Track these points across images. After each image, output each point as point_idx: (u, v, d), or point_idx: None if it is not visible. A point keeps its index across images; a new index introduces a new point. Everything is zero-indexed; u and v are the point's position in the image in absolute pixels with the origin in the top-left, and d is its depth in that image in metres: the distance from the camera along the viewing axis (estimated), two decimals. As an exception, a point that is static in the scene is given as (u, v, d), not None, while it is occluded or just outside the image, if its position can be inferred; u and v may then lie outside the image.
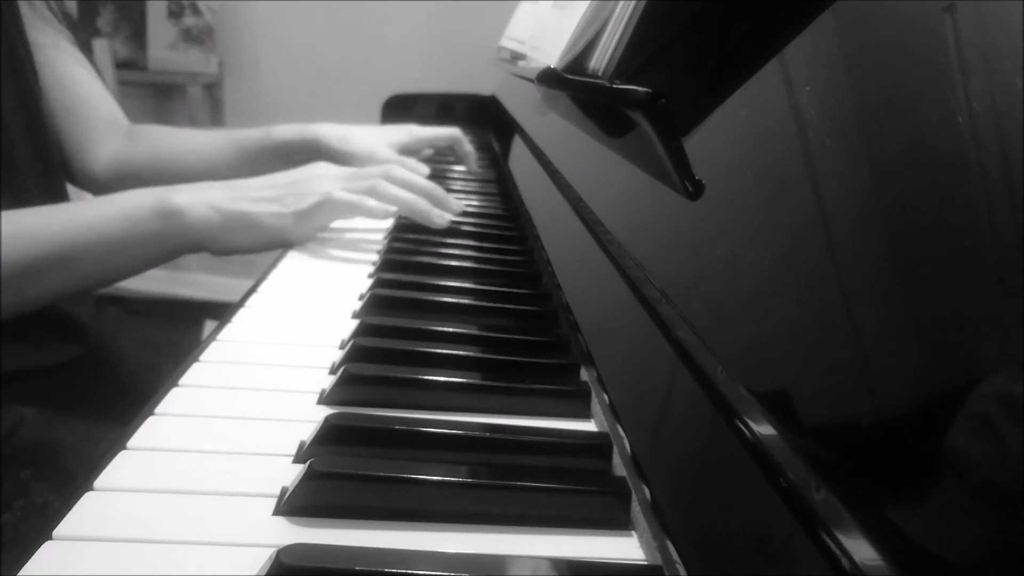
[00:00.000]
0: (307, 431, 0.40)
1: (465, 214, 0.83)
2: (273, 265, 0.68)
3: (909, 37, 0.27)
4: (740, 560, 0.26)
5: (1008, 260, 0.20)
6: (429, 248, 0.74)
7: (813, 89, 0.32)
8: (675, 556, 0.29)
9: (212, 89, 2.45)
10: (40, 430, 0.67)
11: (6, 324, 0.66)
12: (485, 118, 1.49)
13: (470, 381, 0.46)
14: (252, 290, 0.61)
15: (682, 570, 0.29)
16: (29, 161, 0.76)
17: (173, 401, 0.43)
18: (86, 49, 0.92)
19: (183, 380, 0.45)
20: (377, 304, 0.58)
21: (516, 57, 1.19)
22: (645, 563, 0.33)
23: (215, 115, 2.48)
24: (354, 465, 0.36)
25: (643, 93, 0.42)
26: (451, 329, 0.53)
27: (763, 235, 0.31)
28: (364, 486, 0.35)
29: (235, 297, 0.60)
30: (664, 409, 0.36)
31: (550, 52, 0.89)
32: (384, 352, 0.49)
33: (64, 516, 0.32)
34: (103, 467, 0.36)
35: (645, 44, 0.52)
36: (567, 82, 0.66)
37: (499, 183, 1.06)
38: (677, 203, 0.39)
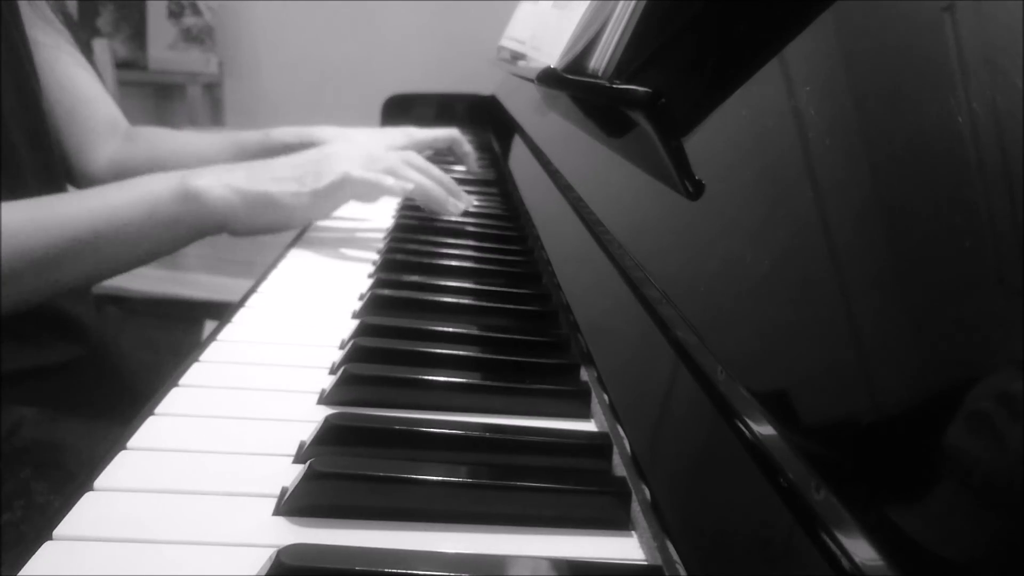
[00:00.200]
0: (307, 431, 0.40)
1: (465, 214, 0.83)
2: (273, 265, 0.68)
3: (909, 37, 0.27)
4: (740, 560, 0.26)
5: (1008, 260, 0.20)
6: (429, 248, 0.74)
7: (813, 89, 0.32)
8: (675, 556, 0.29)
9: (212, 89, 2.45)
10: (40, 430, 0.67)
11: (6, 324, 0.66)
12: (485, 118, 1.49)
13: (470, 381, 0.46)
14: (252, 290, 0.61)
15: (682, 570, 0.29)
16: (30, 161, 0.76)
17: (173, 401, 0.43)
18: (86, 49, 0.92)
19: (183, 380, 0.45)
20: (377, 304, 0.58)
21: (516, 57, 1.19)
22: (645, 563, 0.33)
23: (215, 115, 2.48)
24: (354, 465, 0.36)
25: (643, 93, 0.42)
26: (451, 329, 0.53)
27: (763, 235, 0.31)
28: (364, 486, 0.35)
29: (235, 297, 0.60)
30: (664, 409, 0.36)
31: (550, 52, 0.89)
32: (384, 352, 0.49)
33: (64, 516, 0.32)
34: (103, 467, 0.36)
35: (645, 44, 0.52)
36: (567, 82, 0.66)
37: (499, 183, 1.06)
38: (677, 203, 0.39)
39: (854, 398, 0.24)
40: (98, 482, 0.35)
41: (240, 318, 0.55)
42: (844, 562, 0.21)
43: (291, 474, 0.36)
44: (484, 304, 0.59)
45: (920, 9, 0.27)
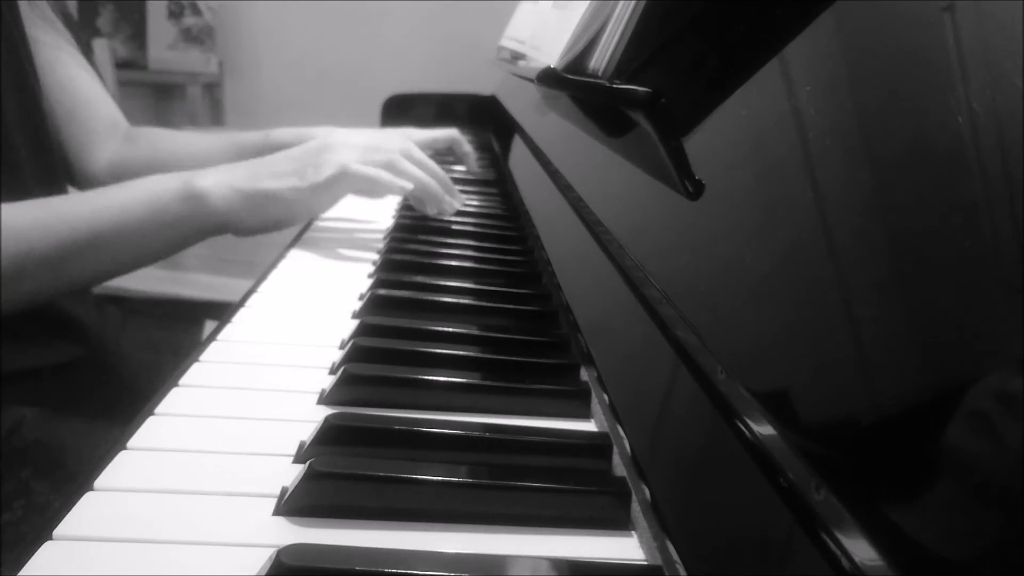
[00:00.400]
0: (307, 431, 0.40)
1: (465, 214, 0.83)
2: (273, 265, 0.69)
3: (909, 37, 0.27)
4: (740, 560, 0.26)
5: (1008, 260, 0.20)
6: (429, 248, 0.74)
7: (813, 89, 0.32)
8: (675, 556, 0.29)
9: (212, 89, 2.45)
10: (40, 430, 0.67)
11: (6, 324, 0.66)
12: (485, 118, 1.49)
13: (470, 381, 0.46)
14: (252, 290, 0.61)
15: (682, 570, 0.29)
16: (30, 162, 0.76)
17: (173, 401, 0.43)
18: (86, 49, 0.92)
19: (183, 380, 0.45)
20: (377, 304, 0.58)
21: (516, 57, 1.19)
22: (645, 563, 0.33)
23: (215, 115, 2.48)
24: (354, 465, 0.36)
25: (643, 93, 0.42)
26: (451, 329, 0.53)
27: (763, 235, 0.31)
28: (364, 486, 0.35)
29: (235, 297, 0.60)
30: (664, 409, 0.36)
31: (550, 52, 0.89)
32: (384, 352, 0.49)
33: (64, 516, 0.32)
34: (103, 467, 0.36)
35: (645, 44, 0.52)
36: (567, 82, 0.66)
37: (499, 183, 1.06)
38: (677, 203, 0.39)
39: (854, 398, 0.24)
40: (98, 482, 0.35)
41: (240, 318, 0.55)
42: (844, 562, 0.21)
43: (291, 474, 0.36)
44: (484, 304, 0.59)
45: (920, 9, 0.27)
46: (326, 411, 0.43)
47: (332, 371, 0.48)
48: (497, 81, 1.47)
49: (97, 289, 0.87)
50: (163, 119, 2.54)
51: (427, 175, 0.76)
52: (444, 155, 1.10)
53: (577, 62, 0.67)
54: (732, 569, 0.26)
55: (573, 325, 0.52)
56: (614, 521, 0.36)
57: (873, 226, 0.26)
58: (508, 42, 1.29)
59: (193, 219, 0.67)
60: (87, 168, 0.89)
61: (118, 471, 0.36)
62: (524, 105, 1.04)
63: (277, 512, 0.34)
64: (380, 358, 0.48)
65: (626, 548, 0.34)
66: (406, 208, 0.89)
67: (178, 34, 2.37)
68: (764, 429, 0.27)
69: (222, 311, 0.56)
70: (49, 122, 0.81)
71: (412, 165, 0.75)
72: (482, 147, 1.28)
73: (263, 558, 0.30)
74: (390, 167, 0.73)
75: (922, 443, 0.20)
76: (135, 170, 0.89)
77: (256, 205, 0.68)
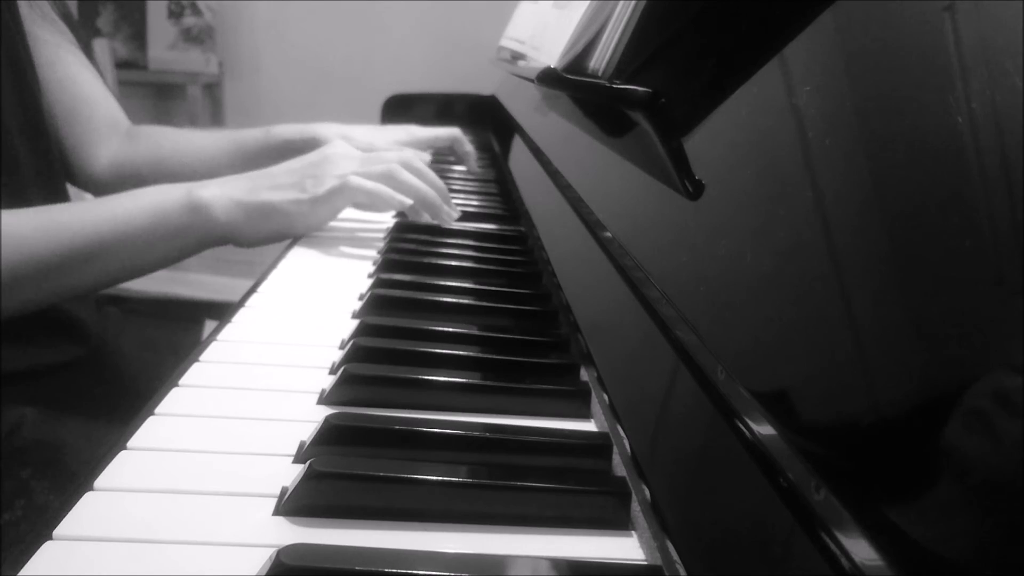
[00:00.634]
0: (307, 431, 0.40)
1: (465, 214, 0.83)
2: (273, 265, 0.69)
3: (909, 37, 0.27)
4: (740, 560, 0.26)
5: (1008, 260, 0.20)
6: (429, 248, 0.74)
7: (813, 89, 0.32)
8: (675, 556, 0.29)
9: (212, 89, 2.45)
10: (40, 430, 0.67)
11: (6, 324, 0.66)
12: (485, 118, 1.49)
13: (470, 381, 0.46)
14: (252, 290, 0.61)
15: (682, 570, 0.29)
16: (29, 162, 0.76)
17: (173, 401, 0.43)
18: (86, 49, 0.92)
19: (183, 380, 0.45)
20: (377, 304, 0.58)
21: (516, 57, 1.19)
22: (645, 563, 0.33)
23: (215, 115, 2.48)
24: (354, 465, 0.36)
25: (643, 93, 0.42)
26: (451, 329, 0.53)
27: (763, 235, 0.31)
28: (364, 486, 0.35)
29: (235, 297, 0.60)
30: (664, 409, 0.36)
31: (550, 52, 0.89)
32: (384, 352, 0.49)
33: (64, 516, 0.32)
34: (103, 467, 0.36)
35: (645, 44, 0.52)
36: (567, 82, 0.66)
37: (499, 183, 1.06)
38: (677, 203, 0.39)
39: (854, 398, 0.24)
40: (98, 482, 0.35)
41: (240, 318, 0.55)
42: (844, 562, 0.21)
43: (291, 474, 0.36)
44: (484, 304, 0.59)
45: (920, 9, 0.27)
46: (326, 411, 0.43)
47: (332, 371, 0.48)
48: (497, 81, 1.47)
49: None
50: (163, 119, 2.53)
51: (425, 185, 0.76)
52: (445, 155, 1.10)
53: (577, 62, 0.67)
54: (732, 569, 0.26)
55: (573, 325, 0.52)
56: (614, 521, 0.36)
57: (873, 226, 0.26)
58: (508, 42, 1.29)
59: (195, 229, 0.67)
60: (88, 167, 0.89)
61: (118, 471, 0.36)
62: (524, 105, 1.04)
63: (277, 512, 0.34)
64: (380, 358, 0.48)
65: (626, 548, 0.34)
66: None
67: (178, 34, 2.37)
68: (764, 429, 0.27)
69: (222, 311, 0.56)
70: (49, 122, 0.81)
71: (411, 175, 0.75)
72: (482, 147, 1.28)
73: (263, 558, 0.30)
74: (390, 179, 0.73)
75: (922, 443, 0.20)
76: (136, 168, 0.89)
77: (257, 217, 0.69)
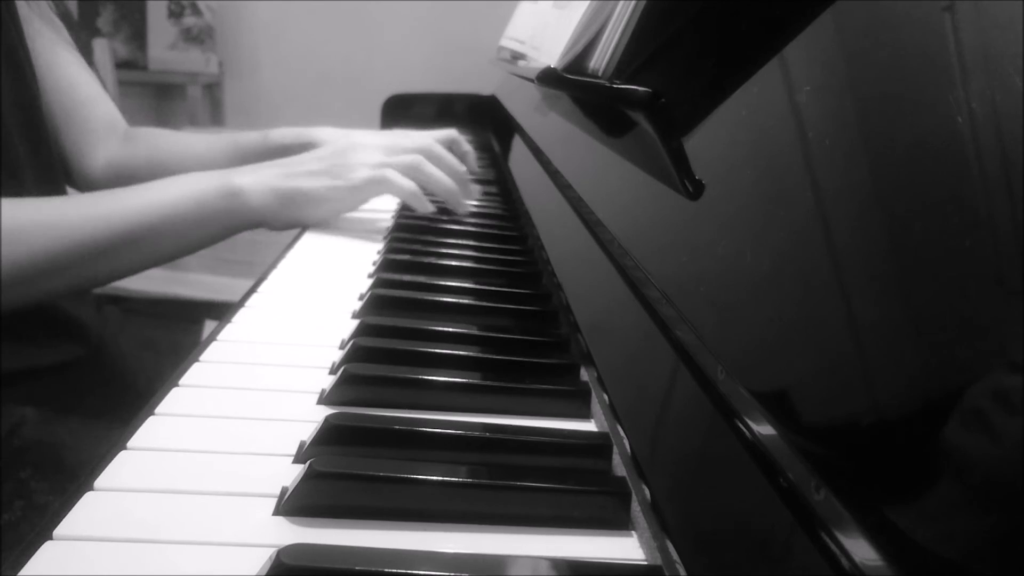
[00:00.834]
0: (307, 431, 0.40)
1: (465, 214, 0.83)
2: (273, 265, 0.69)
3: (909, 37, 0.27)
4: (740, 560, 0.26)
5: (1008, 260, 0.20)
6: (429, 248, 0.74)
7: (813, 89, 0.32)
8: (675, 556, 0.29)
9: (212, 89, 2.45)
10: (40, 430, 0.67)
11: (6, 324, 0.66)
12: (485, 118, 1.49)
13: (470, 381, 0.46)
14: (252, 290, 0.61)
15: (682, 570, 0.29)
16: (29, 162, 0.76)
17: (173, 401, 0.43)
18: (86, 49, 0.92)
19: (183, 380, 0.45)
20: (377, 304, 0.58)
21: (516, 57, 1.19)
22: (645, 563, 0.33)
23: (215, 115, 2.48)
24: (354, 465, 0.36)
25: (643, 93, 0.42)
26: (451, 329, 0.53)
27: (763, 235, 0.31)
28: (364, 486, 0.35)
29: (235, 297, 0.60)
30: (664, 409, 0.36)
31: (550, 52, 0.89)
32: (384, 352, 0.49)
33: (64, 516, 0.32)
34: (103, 467, 0.36)
35: (645, 44, 0.52)
36: (567, 82, 0.66)
37: (499, 183, 1.06)
38: (677, 203, 0.39)
39: (854, 398, 0.24)
40: (98, 482, 0.35)
41: (240, 318, 0.55)
42: (844, 562, 0.21)
43: (291, 474, 0.36)
44: (484, 304, 0.59)
45: (920, 9, 0.27)
46: (326, 411, 0.43)
47: (332, 371, 0.48)
48: (497, 81, 1.47)
49: (97, 289, 0.87)
50: (163, 119, 2.54)
51: (448, 178, 0.79)
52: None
53: (577, 62, 0.67)
54: (732, 569, 0.26)
55: (573, 325, 0.52)
56: (614, 521, 0.36)
57: (873, 226, 0.26)
58: (508, 42, 1.29)
59: (231, 214, 0.70)
60: (85, 168, 0.89)
61: (118, 471, 0.36)
62: (524, 105, 1.04)
63: (277, 512, 0.34)
64: (380, 358, 0.48)
65: (626, 548, 0.34)
66: (406, 208, 0.89)
67: (178, 34, 2.37)
68: (764, 429, 0.27)
69: (222, 311, 0.56)
70: (48, 122, 0.81)
71: (435, 169, 0.79)
72: (482, 147, 1.28)
73: (263, 558, 0.30)
74: (416, 171, 0.77)
75: (922, 443, 0.20)
76: (133, 171, 0.89)
77: (289, 202, 0.73)
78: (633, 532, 0.35)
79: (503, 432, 0.41)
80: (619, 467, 0.38)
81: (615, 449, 0.39)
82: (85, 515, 0.33)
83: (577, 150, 0.66)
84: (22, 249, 0.61)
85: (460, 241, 0.77)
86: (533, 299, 0.62)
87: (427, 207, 0.78)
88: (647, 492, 0.33)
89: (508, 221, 0.86)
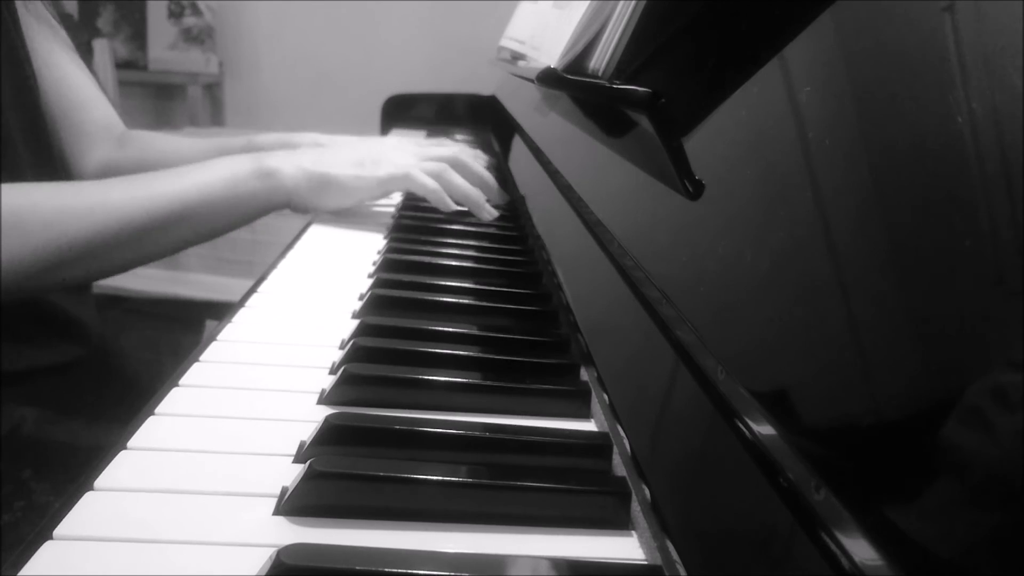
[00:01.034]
0: (307, 431, 0.40)
1: (465, 214, 0.83)
2: (273, 265, 0.69)
3: (909, 37, 0.27)
4: (740, 560, 0.26)
5: (1008, 260, 0.20)
6: (429, 248, 0.74)
7: (813, 89, 0.32)
8: (675, 556, 0.29)
9: (212, 89, 2.45)
10: (40, 430, 0.67)
11: (7, 324, 0.66)
12: (485, 118, 1.49)
13: (470, 381, 0.46)
14: (252, 290, 0.61)
15: (682, 570, 0.29)
16: (29, 162, 0.76)
17: (173, 401, 0.43)
18: (86, 49, 0.92)
19: (183, 380, 0.45)
20: (377, 304, 0.58)
21: (516, 57, 1.19)
22: (645, 563, 0.33)
23: (215, 115, 2.48)
24: (354, 465, 0.36)
25: (643, 93, 0.42)
26: (451, 329, 0.53)
27: (763, 235, 0.31)
28: (364, 486, 0.35)
29: (235, 297, 0.60)
30: (664, 409, 0.36)
31: (550, 52, 0.89)
32: (384, 352, 0.49)
33: (64, 516, 0.32)
34: (103, 467, 0.36)
35: (645, 44, 0.52)
36: (567, 82, 0.66)
37: (499, 183, 1.06)
38: (677, 203, 0.39)
39: (854, 398, 0.24)
40: (98, 482, 0.35)
41: (240, 318, 0.55)
42: (844, 562, 0.21)
43: (291, 474, 0.36)
44: (484, 304, 0.59)
45: (920, 9, 0.27)
46: (326, 411, 0.43)
47: (332, 371, 0.48)
48: (497, 81, 1.47)
49: (97, 289, 0.87)
50: (163, 119, 2.54)
51: (473, 188, 0.83)
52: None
53: (577, 62, 0.67)
54: (732, 569, 0.26)
55: (573, 325, 0.52)
56: (614, 521, 0.36)
57: (873, 226, 0.26)
58: (508, 42, 1.29)
59: (263, 195, 0.72)
60: (77, 170, 0.89)
61: (118, 471, 0.36)
62: (524, 105, 1.04)
63: (277, 512, 0.34)
64: (380, 358, 0.48)
65: (626, 548, 0.34)
66: (406, 208, 0.89)
67: (178, 34, 2.37)
68: (764, 429, 0.27)
69: (222, 311, 0.56)
70: (49, 122, 0.81)
71: (459, 177, 0.82)
72: (482, 147, 1.28)
73: (263, 558, 0.30)
74: (440, 177, 0.80)
75: (922, 443, 0.20)
76: (123, 174, 0.89)
77: (319, 186, 0.75)
78: (633, 532, 0.35)
79: (503, 432, 0.41)
80: (619, 467, 0.38)
81: (615, 449, 0.39)
82: (85, 515, 0.33)
83: (577, 150, 0.66)
84: (65, 231, 0.61)
85: (460, 241, 0.77)
86: (533, 299, 0.62)
87: (450, 206, 0.81)
88: (647, 492, 0.33)
89: (508, 221, 0.86)
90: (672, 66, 0.49)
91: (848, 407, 0.24)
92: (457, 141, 1.15)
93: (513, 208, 0.91)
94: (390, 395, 0.44)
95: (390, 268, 0.68)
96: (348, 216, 0.82)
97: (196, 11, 2.35)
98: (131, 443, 0.38)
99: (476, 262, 0.71)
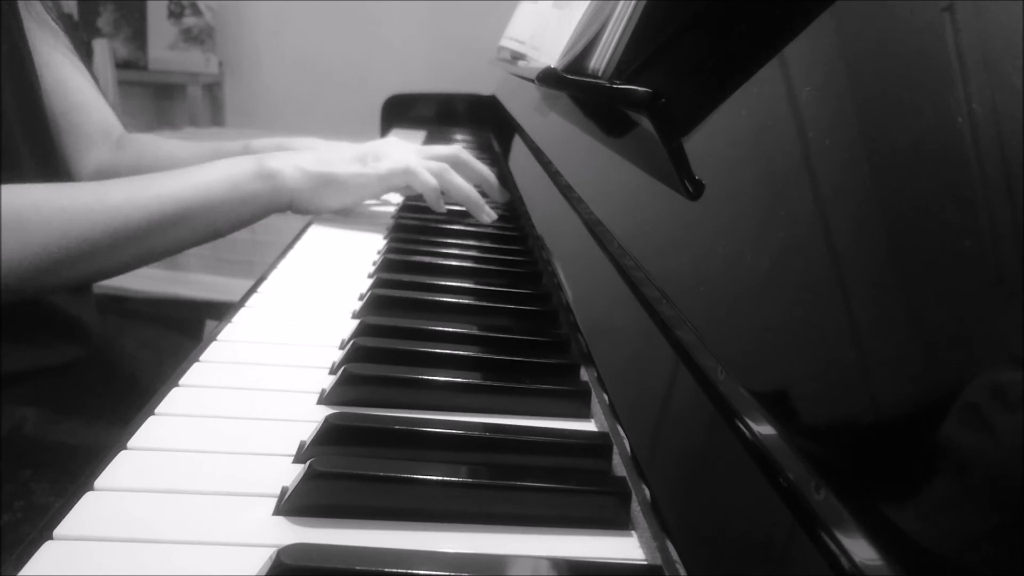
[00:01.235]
0: (307, 431, 0.40)
1: (465, 214, 0.83)
2: (273, 265, 0.69)
3: (909, 37, 0.27)
4: (740, 560, 0.26)
5: (1008, 260, 0.20)
6: (429, 248, 0.74)
7: (813, 89, 0.32)
8: (675, 556, 0.29)
9: (212, 89, 2.45)
10: (41, 430, 0.67)
11: (7, 324, 0.66)
12: (485, 118, 1.49)
13: (470, 381, 0.46)
14: (252, 290, 0.61)
15: (682, 570, 0.29)
16: (31, 163, 0.76)
17: (173, 401, 0.43)
18: (86, 50, 0.92)
19: (183, 380, 0.45)
20: (377, 304, 0.58)
21: (516, 57, 1.19)
22: (645, 563, 0.33)
23: (215, 115, 2.48)
24: (354, 465, 0.36)
25: (643, 93, 0.42)
26: (451, 329, 0.53)
27: (763, 235, 0.31)
28: (364, 486, 0.35)
29: (235, 297, 0.60)
30: (664, 409, 0.36)
31: (550, 52, 0.89)
32: (384, 352, 0.49)
33: (64, 516, 0.32)
34: (103, 467, 0.36)
35: (645, 44, 0.52)
36: (567, 82, 0.66)
37: (499, 183, 1.06)
38: (677, 203, 0.39)
39: (854, 398, 0.24)
40: (98, 482, 0.35)
41: (240, 318, 0.55)
42: (844, 562, 0.21)
43: (291, 474, 0.36)
44: (484, 304, 0.59)
45: (920, 9, 0.27)
46: (326, 411, 0.43)
47: (332, 371, 0.48)
48: (497, 81, 1.47)
49: (97, 289, 0.87)
50: (163, 119, 2.54)
51: (472, 190, 0.83)
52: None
53: (577, 62, 0.67)
54: (732, 569, 0.26)
55: (573, 325, 0.52)
56: (614, 521, 0.36)
57: (873, 226, 0.26)
58: (508, 42, 1.29)
59: (265, 196, 0.72)
60: (75, 172, 0.89)
61: (118, 471, 0.36)
62: (524, 105, 1.04)
63: (277, 512, 0.34)
64: (380, 358, 0.48)
65: (626, 548, 0.34)
66: (406, 208, 0.89)
67: (178, 34, 2.37)
68: (764, 429, 0.27)
69: (222, 311, 0.56)
70: (50, 122, 0.81)
71: (460, 179, 0.82)
72: (482, 147, 1.29)
73: (263, 558, 0.30)
74: (441, 177, 0.80)
75: (922, 443, 0.20)
76: (120, 177, 0.89)
77: (320, 186, 0.75)
78: (633, 532, 0.35)
79: (503, 432, 0.41)
80: (619, 467, 0.38)
81: (615, 449, 0.39)
82: (85, 515, 0.33)
83: (577, 150, 0.66)
84: (65, 232, 0.61)
85: (460, 241, 0.77)
86: (533, 299, 0.62)
87: (442, 207, 0.82)
88: (647, 492, 0.33)
89: (508, 221, 0.86)
90: (672, 66, 0.49)
91: (848, 407, 0.24)
92: (457, 142, 1.15)
93: (513, 208, 0.91)
94: (390, 395, 0.44)
95: (390, 268, 0.68)
96: (348, 216, 0.82)
97: (196, 11, 2.35)
98: (131, 443, 0.38)
99: (476, 262, 0.71)
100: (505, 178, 0.99)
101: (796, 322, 0.27)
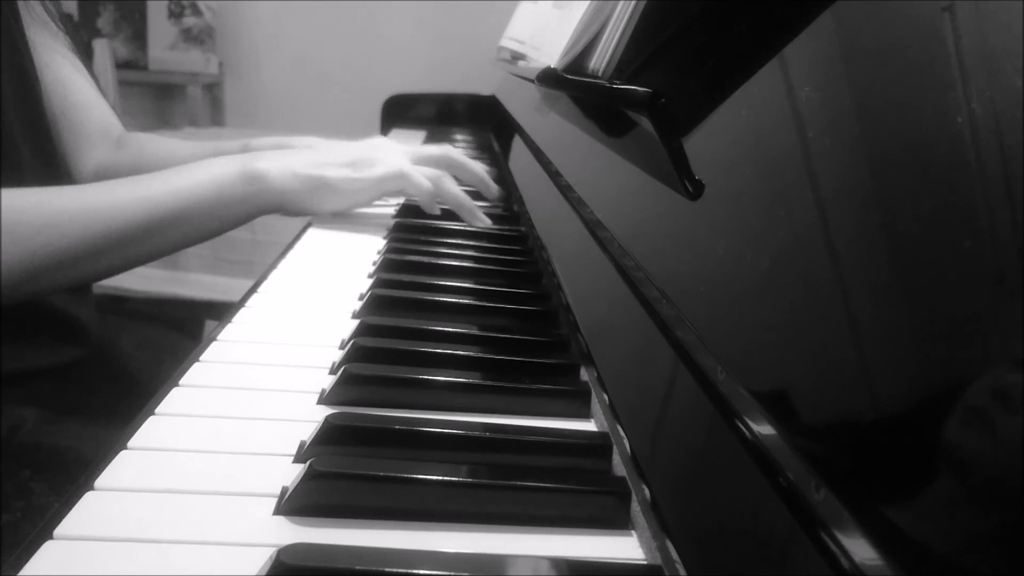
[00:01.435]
0: (307, 431, 0.40)
1: None
2: (273, 265, 0.69)
3: (909, 37, 0.27)
4: (740, 560, 0.26)
5: (1008, 260, 0.20)
6: (429, 248, 0.74)
7: (813, 89, 0.32)
8: (675, 556, 0.29)
9: (212, 89, 2.45)
10: (40, 431, 0.67)
11: (7, 325, 0.66)
12: (485, 118, 1.49)
13: (470, 381, 0.46)
14: (252, 290, 0.61)
15: (682, 570, 0.29)
16: (31, 162, 0.76)
17: (173, 401, 0.43)
18: (86, 50, 0.92)
19: (184, 380, 0.45)
20: (377, 304, 0.58)
21: (516, 57, 1.19)
22: (645, 563, 0.33)
23: (215, 115, 2.48)
24: (354, 465, 0.36)
25: (643, 93, 0.42)
26: (451, 329, 0.53)
27: (763, 235, 0.31)
28: (364, 486, 0.35)
29: (235, 297, 0.60)
30: (664, 409, 0.36)
31: (550, 52, 0.89)
32: (384, 352, 0.49)
33: (64, 516, 0.32)
34: (103, 467, 0.36)
35: (645, 44, 0.52)
36: (567, 82, 0.66)
37: (499, 183, 1.06)
38: (677, 203, 0.39)
39: (854, 398, 0.24)
40: (98, 482, 0.35)
41: (240, 318, 0.55)
42: (844, 562, 0.21)
43: (291, 474, 0.36)
44: (484, 304, 0.59)
45: (920, 9, 0.27)
46: (326, 411, 0.43)
47: (332, 371, 0.48)
48: (497, 81, 1.47)
49: (97, 289, 0.87)
50: (163, 119, 2.54)
51: (464, 196, 0.81)
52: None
53: (577, 62, 0.67)
54: (732, 569, 0.26)
55: (573, 325, 0.52)
56: (614, 521, 0.36)
57: (873, 226, 0.26)
58: (508, 42, 1.29)
59: (253, 199, 0.71)
60: (74, 172, 0.88)
61: (118, 471, 0.36)
62: (524, 105, 1.04)
63: (277, 512, 0.34)
64: (380, 358, 0.48)
65: (626, 548, 0.34)
66: (406, 208, 0.89)
67: (178, 34, 2.37)
68: (764, 429, 0.27)
69: (222, 311, 0.56)
70: (50, 122, 0.81)
71: (454, 184, 0.81)
72: (482, 147, 1.29)
73: (263, 558, 0.30)
74: (435, 182, 0.79)
75: (922, 443, 0.20)
76: (120, 176, 0.89)
77: (311, 189, 0.74)
78: (633, 532, 0.35)
79: (503, 432, 0.41)
80: (619, 467, 0.38)
81: (615, 449, 0.39)
82: (85, 515, 0.33)
83: (577, 150, 0.66)
84: (57, 237, 0.61)
85: (460, 241, 0.77)
86: (533, 299, 0.62)
87: (435, 210, 0.81)
88: (647, 492, 0.33)
89: (508, 221, 0.86)
90: (672, 66, 0.49)
91: (848, 407, 0.24)
92: (457, 142, 1.15)
93: (513, 208, 0.91)
94: (390, 395, 0.44)
95: (390, 268, 0.68)
96: (348, 217, 0.82)
97: (196, 11, 2.35)
98: (131, 443, 0.38)
99: (476, 262, 0.71)
100: (505, 178, 0.99)
101: (796, 322, 0.27)
